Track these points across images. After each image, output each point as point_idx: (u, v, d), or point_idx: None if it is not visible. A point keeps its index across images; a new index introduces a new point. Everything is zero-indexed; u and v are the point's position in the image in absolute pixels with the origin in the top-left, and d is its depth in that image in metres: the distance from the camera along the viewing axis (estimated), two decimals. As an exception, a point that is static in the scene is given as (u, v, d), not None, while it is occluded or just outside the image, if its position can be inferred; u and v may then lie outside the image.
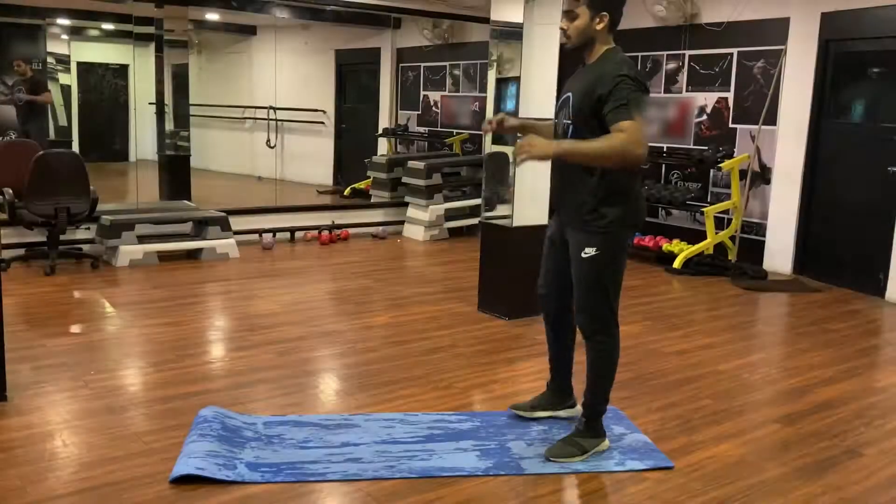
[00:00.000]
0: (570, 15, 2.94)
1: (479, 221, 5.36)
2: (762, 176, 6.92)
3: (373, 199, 8.87)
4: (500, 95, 5.28)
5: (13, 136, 8.18)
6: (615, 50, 2.92)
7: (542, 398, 3.42)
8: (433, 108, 9.87)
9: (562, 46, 3.06)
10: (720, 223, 7.08)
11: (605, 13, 2.88)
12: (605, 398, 3.06)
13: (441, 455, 3.02)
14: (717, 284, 6.36)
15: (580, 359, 4.23)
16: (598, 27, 2.89)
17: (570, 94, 2.97)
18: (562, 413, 3.39)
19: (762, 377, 4.14)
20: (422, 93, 9.99)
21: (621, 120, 2.72)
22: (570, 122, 2.93)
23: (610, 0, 2.90)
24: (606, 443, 3.09)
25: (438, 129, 9.81)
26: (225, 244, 6.77)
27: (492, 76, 5.24)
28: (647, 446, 3.15)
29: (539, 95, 4.93)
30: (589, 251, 2.92)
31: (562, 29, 3.01)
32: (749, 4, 6.90)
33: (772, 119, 6.77)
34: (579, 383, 3.77)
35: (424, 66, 9.92)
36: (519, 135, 3.43)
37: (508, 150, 5.12)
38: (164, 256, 6.53)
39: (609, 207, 2.89)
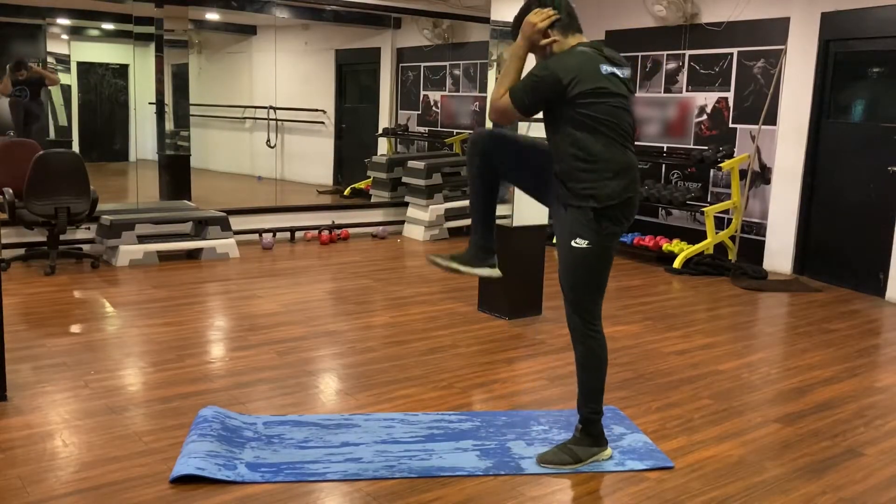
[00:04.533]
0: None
1: (479, 221, 5.34)
2: (762, 176, 6.92)
3: (373, 199, 8.87)
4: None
5: (12, 135, 8.18)
6: (566, 52, 2.88)
7: (465, 254, 3.16)
8: (433, 108, 9.87)
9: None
10: (720, 223, 7.09)
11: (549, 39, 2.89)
12: (595, 400, 2.99)
13: (441, 455, 3.02)
14: (717, 284, 6.36)
15: (568, 361, 4.23)
16: (554, 49, 2.89)
17: None
18: (481, 271, 3.14)
19: (762, 377, 4.14)
20: (422, 93, 9.99)
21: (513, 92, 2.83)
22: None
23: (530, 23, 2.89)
24: (608, 451, 3.03)
25: (438, 129, 9.81)
26: (225, 244, 6.77)
27: (492, 76, 5.24)
28: (647, 446, 3.14)
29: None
30: (581, 243, 2.85)
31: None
32: (749, 4, 6.90)
33: (772, 119, 6.77)
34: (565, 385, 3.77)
35: (424, 66, 9.92)
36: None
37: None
38: (164, 256, 6.53)
39: (597, 189, 2.82)
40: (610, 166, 2.82)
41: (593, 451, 3.00)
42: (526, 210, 4.99)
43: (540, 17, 2.86)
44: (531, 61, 2.91)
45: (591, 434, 3.01)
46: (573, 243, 2.87)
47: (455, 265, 3.10)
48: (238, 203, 8.05)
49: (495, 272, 3.15)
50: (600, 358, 2.99)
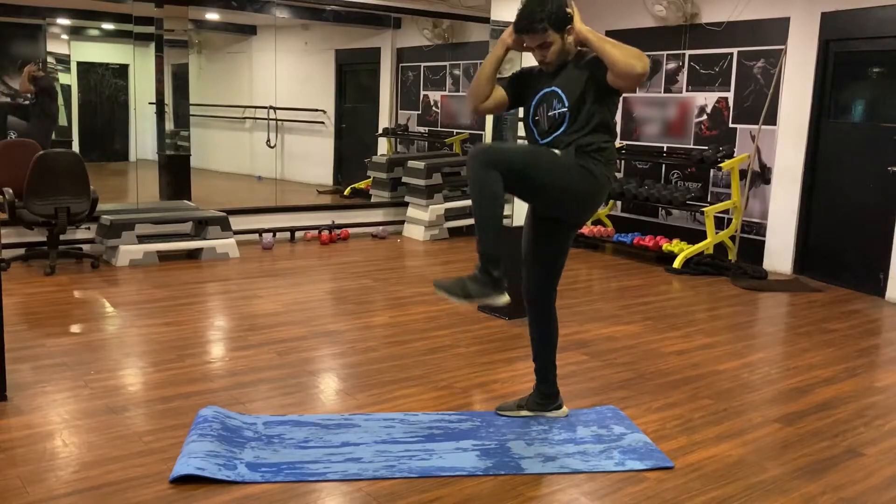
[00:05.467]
0: (544, 46, 3.03)
1: (479, 221, 5.34)
2: (762, 176, 6.92)
3: (373, 199, 8.87)
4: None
5: (13, 136, 8.19)
6: (583, 51, 3.08)
7: (529, 400, 3.43)
8: (433, 108, 9.88)
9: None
10: (720, 223, 7.09)
11: (570, 26, 3.00)
12: (489, 237, 2.93)
13: (441, 455, 3.02)
14: (717, 284, 6.36)
15: (568, 360, 4.23)
16: (571, 39, 3.03)
17: (553, 88, 3.06)
18: (548, 415, 3.41)
19: (762, 377, 4.14)
20: (422, 93, 10.00)
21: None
22: (565, 110, 3.02)
23: (568, 13, 3.00)
24: (504, 298, 2.95)
25: (438, 129, 9.81)
26: (225, 244, 6.77)
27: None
28: (647, 446, 3.14)
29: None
30: (556, 151, 3.01)
31: (539, 61, 3.10)
32: (749, 4, 6.90)
33: (772, 119, 6.77)
34: (565, 385, 3.78)
35: (424, 66, 9.92)
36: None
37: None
38: (164, 256, 6.53)
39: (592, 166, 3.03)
40: (612, 158, 3.12)
41: (486, 293, 2.91)
42: (526, 210, 4.98)
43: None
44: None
45: (486, 273, 2.90)
46: (551, 149, 3.03)
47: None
48: (238, 203, 8.05)
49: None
50: (492, 188, 2.89)
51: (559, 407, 3.42)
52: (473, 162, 2.89)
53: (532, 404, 3.42)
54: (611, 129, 3.08)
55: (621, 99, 3.32)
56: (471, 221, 8.24)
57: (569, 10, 3.00)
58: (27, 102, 8.34)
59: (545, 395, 3.40)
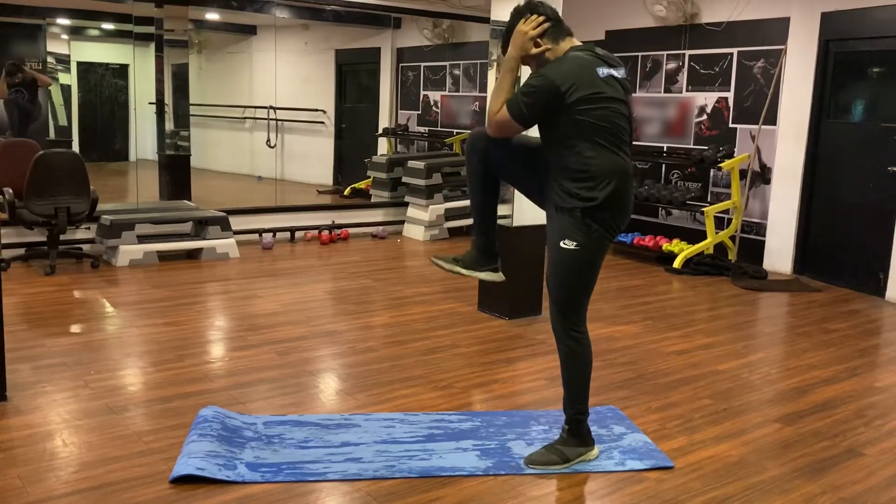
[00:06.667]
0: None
1: (479, 221, 5.35)
2: (762, 176, 6.92)
3: (373, 199, 8.88)
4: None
5: (8, 135, 8.21)
6: (561, 58, 2.84)
7: (467, 256, 3.15)
8: (433, 108, 9.88)
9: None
10: (720, 223, 7.09)
11: (547, 46, 2.85)
12: (581, 401, 2.97)
13: (441, 455, 3.02)
14: (717, 284, 6.36)
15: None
16: (548, 55, 2.85)
17: None
18: (482, 275, 3.15)
19: (762, 377, 4.14)
20: (422, 93, 10.00)
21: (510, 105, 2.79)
22: None
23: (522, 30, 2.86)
24: (595, 451, 3.03)
25: (438, 129, 9.81)
26: (225, 244, 6.77)
27: (492, 76, 5.24)
28: (647, 446, 3.14)
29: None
30: (569, 244, 2.84)
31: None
32: (749, 4, 6.90)
33: (772, 119, 6.77)
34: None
35: (424, 66, 9.92)
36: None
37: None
38: (164, 256, 6.54)
39: (594, 195, 2.79)
40: (603, 174, 2.77)
41: (580, 451, 2.99)
42: (526, 210, 4.98)
43: (531, 26, 2.82)
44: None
45: (577, 434, 3.00)
46: (562, 244, 2.86)
47: (458, 268, 3.10)
48: (238, 203, 8.05)
49: (498, 276, 3.14)
50: (583, 358, 2.95)
51: (496, 270, 3.16)
52: (577, 332, 2.94)
53: (470, 262, 3.13)
54: (578, 139, 2.77)
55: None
56: (471, 221, 8.28)
57: (522, 27, 2.83)
58: (21, 100, 8.38)
59: (483, 252, 3.14)
